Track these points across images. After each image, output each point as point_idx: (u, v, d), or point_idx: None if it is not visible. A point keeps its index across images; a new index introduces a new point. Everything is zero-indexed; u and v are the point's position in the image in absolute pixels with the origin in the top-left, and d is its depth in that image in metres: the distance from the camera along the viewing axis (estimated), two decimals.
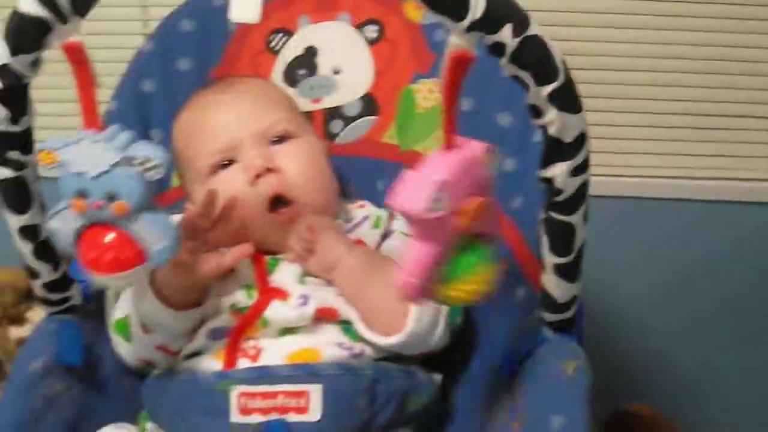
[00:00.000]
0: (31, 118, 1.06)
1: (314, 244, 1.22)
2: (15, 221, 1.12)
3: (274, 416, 1.11)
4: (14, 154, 1.07)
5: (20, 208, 1.11)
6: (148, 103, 1.47)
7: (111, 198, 0.97)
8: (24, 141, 1.06)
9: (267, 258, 1.26)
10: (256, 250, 1.23)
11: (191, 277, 1.16)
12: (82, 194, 0.97)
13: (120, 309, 1.24)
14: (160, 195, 1.12)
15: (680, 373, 2.07)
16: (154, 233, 1.00)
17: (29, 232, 1.12)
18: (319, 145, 1.34)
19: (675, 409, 1.97)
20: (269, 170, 1.25)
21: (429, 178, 0.88)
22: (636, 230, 2.01)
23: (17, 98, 1.03)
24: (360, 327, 1.20)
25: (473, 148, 0.93)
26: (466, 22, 0.87)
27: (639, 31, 1.91)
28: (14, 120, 1.04)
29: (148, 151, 0.96)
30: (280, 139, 1.29)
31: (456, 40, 0.88)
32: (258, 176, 1.24)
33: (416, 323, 1.17)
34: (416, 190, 0.87)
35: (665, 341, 2.06)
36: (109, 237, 1.00)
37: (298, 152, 1.28)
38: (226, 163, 1.28)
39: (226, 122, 1.29)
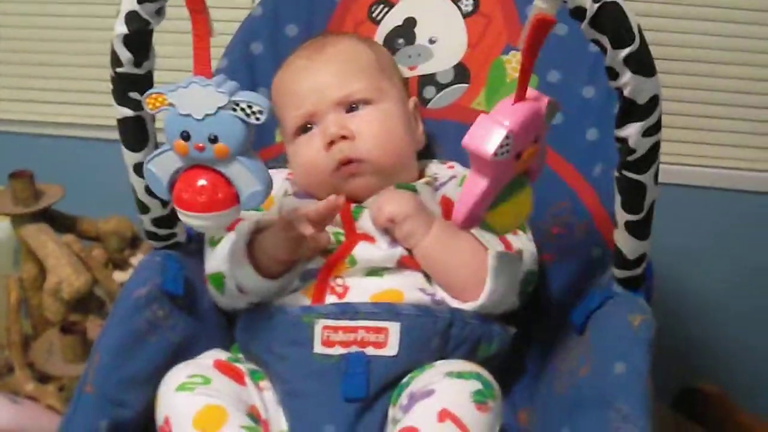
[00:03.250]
0: (152, 62, 1.16)
1: (392, 232, 1.30)
2: (131, 158, 1.22)
3: (354, 349, 1.20)
4: (135, 95, 1.16)
5: (137, 146, 1.21)
6: (256, 64, 1.56)
7: (213, 140, 1.04)
8: (144, 83, 1.16)
9: (352, 205, 1.34)
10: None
11: (293, 256, 1.27)
12: (185, 136, 1.05)
13: (215, 262, 1.33)
14: (263, 148, 1.21)
15: (748, 358, 2.08)
16: (248, 178, 1.07)
17: (142, 169, 1.19)
18: (395, 110, 1.40)
19: (742, 393, 1.98)
20: (343, 137, 1.33)
21: (501, 125, 0.96)
22: (711, 220, 2.03)
23: (141, 43, 1.13)
24: (438, 289, 1.29)
25: (540, 101, 1.01)
26: None
27: (730, 25, 1.92)
28: (137, 63, 1.14)
29: (252, 98, 1.03)
30: (358, 105, 1.37)
31: (540, 4, 0.95)
32: (332, 142, 1.33)
33: (490, 295, 1.25)
34: (488, 134, 0.96)
35: (735, 327, 2.08)
36: (205, 178, 1.08)
37: (372, 119, 1.36)
38: (308, 126, 1.37)
39: (309, 89, 1.37)
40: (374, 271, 1.28)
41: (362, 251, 1.28)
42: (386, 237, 1.30)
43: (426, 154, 1.50)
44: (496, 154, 0.94)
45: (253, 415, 1.19)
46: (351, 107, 1.37)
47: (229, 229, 1.31)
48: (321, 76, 1.38)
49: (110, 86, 1.18)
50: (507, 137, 0.95)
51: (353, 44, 1.45)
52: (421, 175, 1.44)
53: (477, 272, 1.26)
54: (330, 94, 1.36)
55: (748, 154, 1.99)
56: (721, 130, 1.98)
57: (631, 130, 1.03)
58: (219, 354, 1.29)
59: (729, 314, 2.07)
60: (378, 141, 1.35)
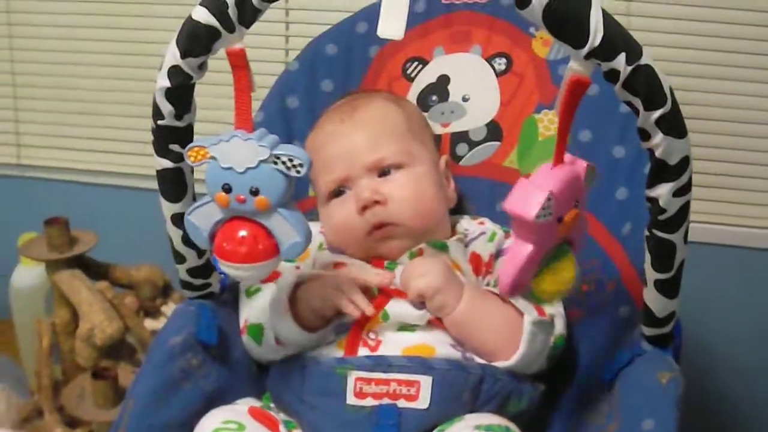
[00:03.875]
0: (193, 116, 1.18)
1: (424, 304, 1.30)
2: (168, 209, 1.24)
3: (386, 401, 1.21)
4: (175, 147, 1.18)
5: (175, 197, 1.23)
6: (292, 118, 1.59)
7: (254, 192, 1.06)
8: (185, 135, 1.18)
9: (385, 262, 1.37)
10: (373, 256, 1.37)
11: (336, 312, 1.28)
12: (226, 189, 1.07)
13: (253, 314, 1.35)
14: (297, 201, 1.23)
15: None
16: (289, 229, 1.09)
17: (180, 220, 1.21)
18: (427, 173, 1.42)
19: None
20: (376, 202, 1.36)
21: (541, 188, 0.98)
22: (738, 278, 2.04)
23: (183, 97, 1.15)
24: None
25: (578, 164, 1.03)
26: (585, 50, 0.96)
27: (756, 85, 1.95)
28: (178, 116, 1.16)
29: (292, 151, 1.05)
30: (389, 170, 1.39)
31: (575, 66, 0.98)
32: (365, 207, 1.36)
33: (521, 359, 1.27)
34: (529, 197, 0.97)
35: (762, 383, 2.08)
36: (246, 230, 1.09)
37: (404, 183, 1.38)
38: (341, 190, 1.40)
39: (341, 154, 1.40)
40: (406, 327, 1.29)
41: (395, 308, 1.29)
42: None
43: (458, 210, 1.52)
44: (538, 216, 0.96)
45: None
46: (383, 171, 1.39)
47: (267, 280, 1.32)
48: (352, 140, 1.40)
49: (149, 137, 1.20)
50: (548, 199, 0.97)
51: (384, 105, 1.47)
52: (453, 231, 1.45)
53: (507, 338, 1.27)
54: (362, 159, 1.38)
55: None
56: (745, 189, 2.00)
57: (662, 191, 1.05)
58: (253, 402, 1.30)
59: (755, 370, 2.07)
60: (410, 205, 1.37)
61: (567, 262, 1.06)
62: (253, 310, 1.35)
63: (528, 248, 1.00)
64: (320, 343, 1.30)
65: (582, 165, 1.03)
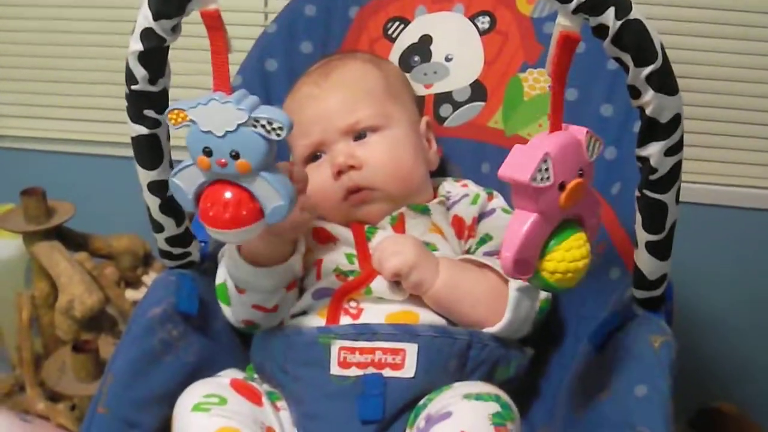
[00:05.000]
0: (167, 80, 1.15)
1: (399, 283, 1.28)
2: (145, 176, 1.20)
3: (370, 371, 1.19)
4: (150, 113, 1.15)
5: (151, 164, 1.19)
6: (271, 81, 1.56)
7: (235, 156, 1.03)
8: (160, 100, 1.15)
9: (365, 226, 1.34)
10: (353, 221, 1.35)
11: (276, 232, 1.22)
12: (207, 152, 1.04)
13: (220, 275, 1.33)
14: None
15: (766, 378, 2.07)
16: (272, 192, 1.06)
17: (157, 187, 1.20)
18: (404, 135, 1.39)
19: (760, 413, 1.97)
20: (351, 167, 1.33)
21: (537, 149, 0.94)
22: (729, 239, 2.02)
23: (157, 60, 1.12)
24: None
25: (576, 131, 0.99)
26: (572, 4, 0.92)
27: (749, 43, 1.91)
28: (152, 80, 1.13)
29: (272, 114, 1.02)
30: (365, 133, 1.36)
31: (563, 22, 0.94)
32: (340, 172, 1.33)
33: (506, 326, 1.25)
34: (524, 160, 0.93)
35: (753, 346, 2.06)
36: (229, 194, 1.07)
37: (380, 147, 1.36)
38: (317, 154, 1.38)
39: (315, 118, 1.37)
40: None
41: (380, 286, 1.27)
42: None
43: (441, 172, 1.50)
44: (533, 178, 0.92)
45: None
46: (359, 135, 1.36)
47: None
48: (327, 103, 1.38)
49: (125, 103, 1.17)
50: (545, 160, 0.93)
51: (361, 67, 1.45)
52: (435, 193, 1.43)
53: (491, 306, 1.26)
54: (336, 122, 1.36)
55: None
56: (740, 148, 1.97)
57: (653, 149, 1.02)
58: (236, 373, 1.28)
59: (746, 333, 2.06)
60: (387, 168, 1.35)
61: (577, 240, 0.99)
62: (218, 275, 1.34)
63: (529, 218, 0.95)
64: (282, 285, 1.28)
65: (581, 131, 0.98)
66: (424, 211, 1.36)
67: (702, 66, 1.92)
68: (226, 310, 1.33)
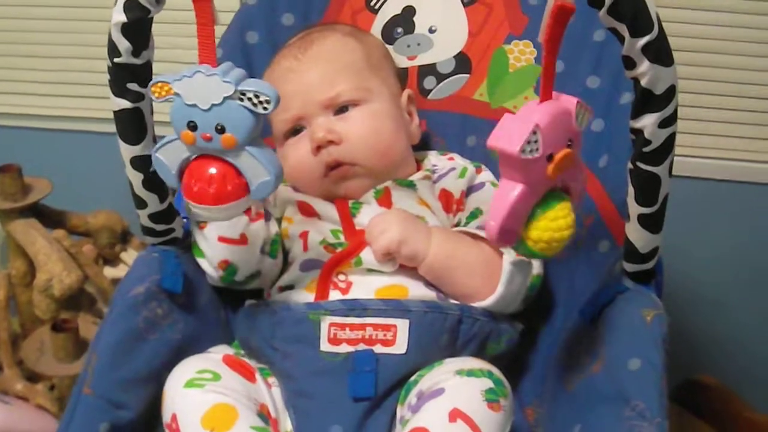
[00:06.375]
0: (151, 52, 1.12)
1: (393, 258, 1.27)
2: (128, 151, 1.17)
3: (361, 347, 1.17)
4: (133, 86, 1.12)
5: (134, 138, 1.16)
6: (252, 54, 1.53)
7: (220, 130, 1.01)
8: (143, 73, 1.12)
9: (349, 202, 1.33)
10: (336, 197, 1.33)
11: None
12: (192, 126, 1.02)
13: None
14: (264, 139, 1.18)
15: (752, 354, 2.07)
16: (258, 168, 1.04)
17: (141, 162, 1.17)
18: (385, 109, 1.37)
19: (741, 386, 1.97)
20: (330, 141, 1.32)
21: (526, 120, 0.92)
22: (720, 212, 2.01)
23: (140, 32, 1.09)
24: None
25: (567, 101, 0.97)
26: None
27: (731, 15, 1.89)
28: (136, 53, 1.10)
29: (259, 87, 1.00)
30: (346, 107, 1.35)
31: None
32: (319, 147, 1.32)
33: (498, 300, 1.24)
34: (513, 131, 0.92)
35: (742, 323, 2.06)
36: (214, 169, 1.05)
37: (360, 121, 1.34)
38: (297, 128, 1.36)
39: (294, 92, 1.34)
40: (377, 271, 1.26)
41: (370, 256, 1.26)
42: None
43: (426, 145, 1.48)
44: (522, 150, 0.91)
45: (263, 413, 1.17)
46: (339, 109, 1.34)
47: None
48: (307, 77, 1.36)
49: (103, 78, 1.14)
50: (534, 132, 0.91)
51: (341, 40, 1.42)
52: (419, 167, 1.42)
53: (485, 278, 1.25)
54: (316, 97, 1.34)
55: (760, 146, 1.96)
56: (734, 122, 1.95)
57: (648, 121, 1.01)
58: (226, 349, 1.27)
59: (739, 306, 2.05)
60: (367, 143, 1.33)
61: (563, 209, 0.99)
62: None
63: (516, 189, 0.94)
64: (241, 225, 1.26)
65: (572, 101, 0.97)
66: (410, 185, 1.35)
67: (698, 39, 1.90)
68: (203, 263, 1.30)
